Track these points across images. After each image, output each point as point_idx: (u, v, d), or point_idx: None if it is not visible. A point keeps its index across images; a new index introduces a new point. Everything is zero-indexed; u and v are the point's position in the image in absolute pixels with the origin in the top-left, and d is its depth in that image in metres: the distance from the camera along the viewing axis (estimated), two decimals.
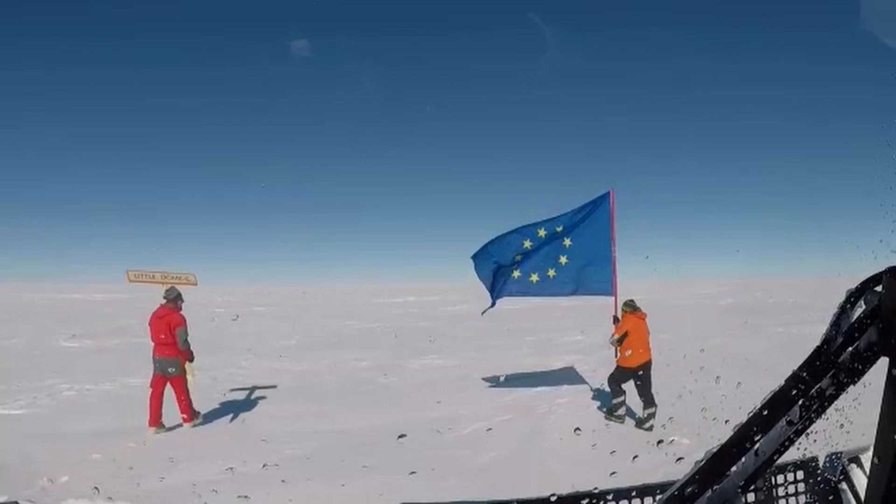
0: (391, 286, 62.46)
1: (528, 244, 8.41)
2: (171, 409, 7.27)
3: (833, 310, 0.84)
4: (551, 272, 8.40)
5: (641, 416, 7.27)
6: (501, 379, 9.69)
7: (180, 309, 7.59)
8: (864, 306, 0.82)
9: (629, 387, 7.43)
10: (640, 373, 7.31)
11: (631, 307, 7.79)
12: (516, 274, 8.47)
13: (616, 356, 7.79)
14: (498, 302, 9.07)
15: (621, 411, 7.53)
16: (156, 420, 7.14)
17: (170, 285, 7.87)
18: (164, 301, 7.59)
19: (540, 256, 8.44)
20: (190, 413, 7.39)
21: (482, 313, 9.04)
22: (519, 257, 8.47)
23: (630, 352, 7.48)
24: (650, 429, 7.06)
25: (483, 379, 10.09)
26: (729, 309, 25.96)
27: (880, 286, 0.81)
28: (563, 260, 8.39)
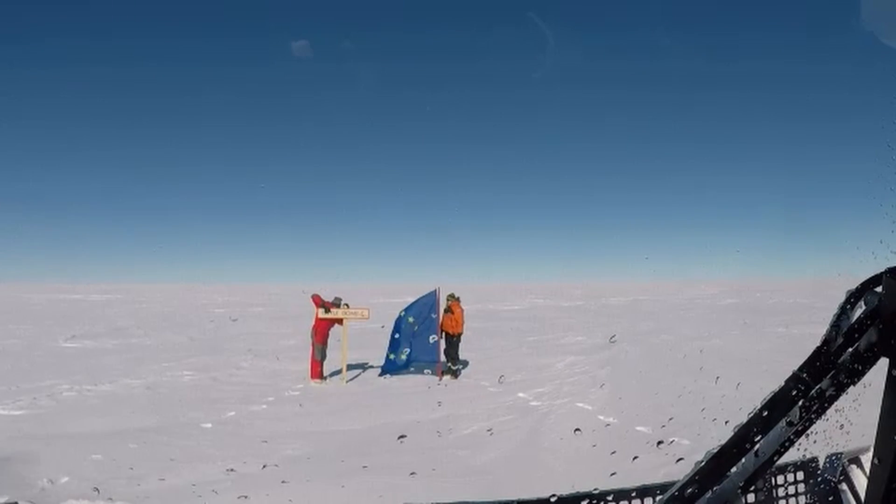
0: (391, 286, 62.46)
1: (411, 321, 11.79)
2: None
3: (833, 310, 0.84)
4: (408, 349, 11.77)
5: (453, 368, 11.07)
6: (501, 379, 9.70)
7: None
8: (864, 307, 0.82)
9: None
10: (455, 339, 11.38)
11: (454, 298, 11.68)
12: (401, 355, 11.60)
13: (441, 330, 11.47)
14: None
15: (458, 370, 11.21)
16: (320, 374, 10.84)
17: (346, 319, 11.18)
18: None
19: (407, 340, 11.78)
20: (311, 374, 10.66)
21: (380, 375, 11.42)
22: (397, 335, 11.65)
23: (454, 324, 11.40)
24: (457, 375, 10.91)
25: (483, 379, 10.09)
26: (729, 309, 25.97)
27: (880, 287, 0.81)
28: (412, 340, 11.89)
